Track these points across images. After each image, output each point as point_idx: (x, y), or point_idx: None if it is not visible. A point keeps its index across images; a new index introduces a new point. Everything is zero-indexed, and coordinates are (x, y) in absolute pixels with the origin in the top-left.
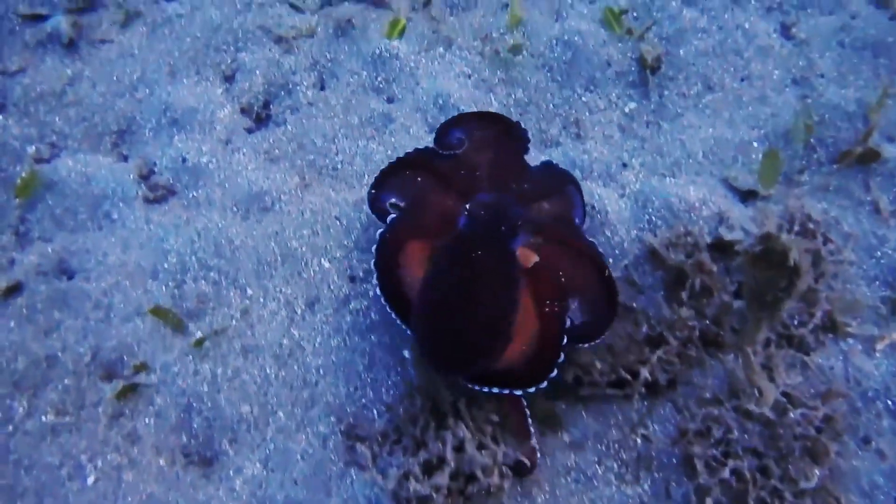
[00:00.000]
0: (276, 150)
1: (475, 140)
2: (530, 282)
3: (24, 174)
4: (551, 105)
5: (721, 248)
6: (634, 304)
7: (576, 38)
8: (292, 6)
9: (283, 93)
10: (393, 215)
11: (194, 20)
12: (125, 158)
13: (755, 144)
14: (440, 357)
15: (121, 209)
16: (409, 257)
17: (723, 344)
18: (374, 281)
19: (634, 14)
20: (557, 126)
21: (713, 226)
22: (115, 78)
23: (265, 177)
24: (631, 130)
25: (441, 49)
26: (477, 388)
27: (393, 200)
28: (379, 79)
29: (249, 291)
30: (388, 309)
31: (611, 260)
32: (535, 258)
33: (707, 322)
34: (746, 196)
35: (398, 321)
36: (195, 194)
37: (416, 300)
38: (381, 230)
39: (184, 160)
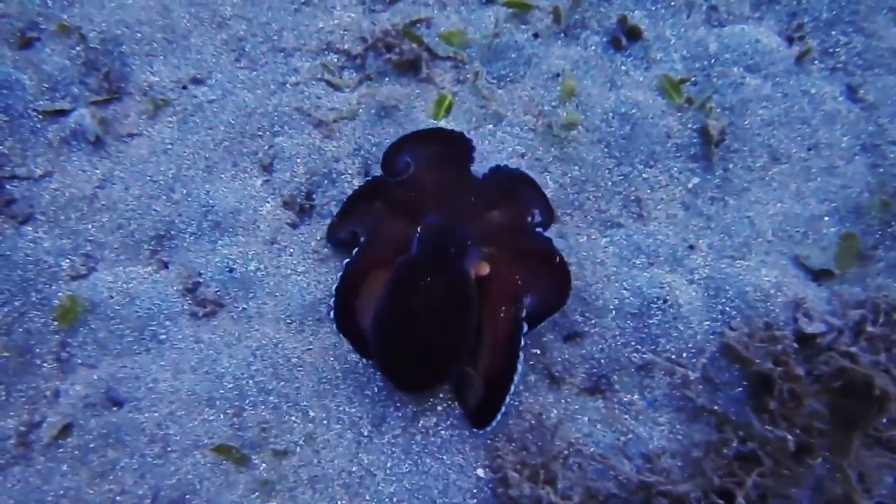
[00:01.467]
0: (325, 248)
1: (420, 161)
2: (484, 290)
3: (63, 301)
4: (610, 183)
5: (802, 340)
6: (716, 407)
7: (633, 111)
8: (329, 84)
9: (326, 182)
10: (355, 249)
11: (226, 105)
12: (165, 266)
13: (826, 219)
14: (398, 380)
15: (168, 328)
16: (369, 289)
17: (812, 450)
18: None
19: (693, 79)
20: (617, 205)
21: (789, 314)
22: (148, 178)
23: (316, 281)
24: (695, 208)
25: (491, 126)
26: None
27: (355, 231)
28: None
29: (312, 414)
30: (346, 343)
31: (685, 355)
32: (486, 269)
33: (798, 432)
34: (819, 275)
35: (355, 350)
36: (245, 307)
37: (372, 325)
38: (345, 262)
39: (230, 270)
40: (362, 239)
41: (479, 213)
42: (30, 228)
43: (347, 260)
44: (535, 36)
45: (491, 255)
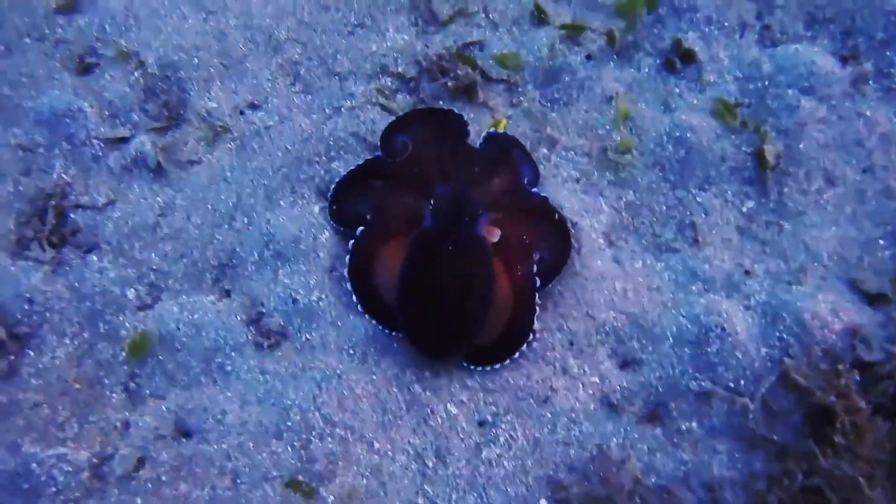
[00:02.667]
0: None
1: (418, 139)
2: (498, 252)
3: (133, 335)
4: (664, 207)
5: (860, 367)
6: (775, 437)
7: (688, 134)
8: (384, 108)
9: None
10: (361, 227)
11: (283, 131)
12: (227, 294)
13: (881, 242)
14: (430, 347)
15: (234, 359)
16: (383, 262)
17: (875, 481)
18: (349, 287)
19: (748, 101)
20: (672, 230)
21: (847, 342)
22: (209, 206)
23: None
24: (750, 232)
25: (545, 150)
26: (472, 366)
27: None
28: None
29: (377, 445)
30: (365, 315)
31: (742, 382)
32: (498, 233)
33: (861, 464)
34: (875, 300)
35: (376, 324)
36: (308, 337)
37: (397, 298)
38: (352, 241)
39: (294, 301)
40: (368, 217)
41: (482, 182)
42: (95, 258)
43: (353, 240)
44: (589, 58)
45: (498, 220)
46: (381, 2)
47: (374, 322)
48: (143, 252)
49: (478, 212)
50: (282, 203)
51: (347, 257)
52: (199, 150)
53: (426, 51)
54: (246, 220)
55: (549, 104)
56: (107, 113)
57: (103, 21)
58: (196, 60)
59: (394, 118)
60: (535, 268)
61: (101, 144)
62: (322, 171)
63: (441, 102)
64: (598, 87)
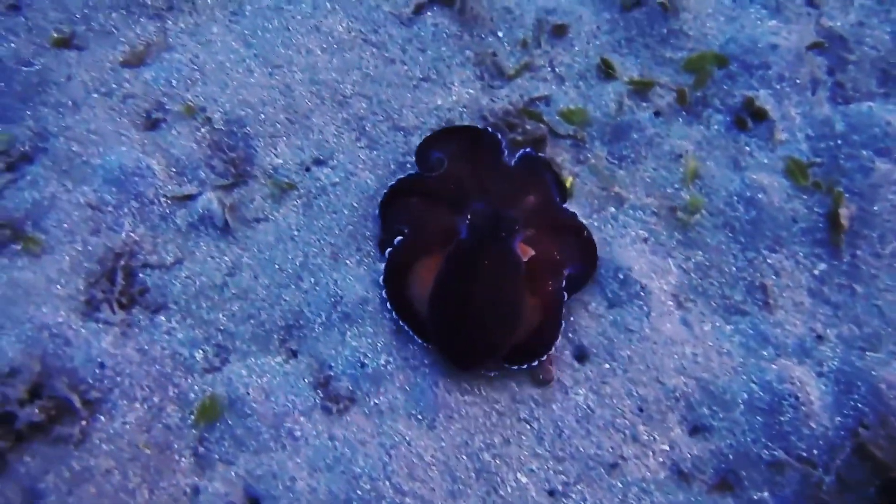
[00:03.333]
0: None
1: (453, 155)
2: (529, 269)
3: (203, 400)
4: (734, 268)
5: None
6: None
7: (759, 195)
8: None
9: None
10: (398, 238)
11: (349, 188)
12: (294, 355)
13: None
14: (460, 357)
15: (302, 425)
16: (419, 275)
17: None
18: (384, 296)
19: (820, 161)
20: (741, 292)
21: None
22: (276, 266)
23: (443, 374)
24: (822, 295)
25: (612, 209)
26: (513, 367)
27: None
28: None
29: None
30: (402, 324)
31: (815, 452)
32: (531, 252)
33: None
34: None
35: (412, 335)
36: (377, 402)
37: (430, 307)
38: (389, 251)
39: (362, 365)
40: (406, 230)
41: (516, 198)
42: (163, 318)
43: (390, 250)
44: (657, 114)
45: (531, 237)
46: (447, 55)
47: (406, 328)
48: (211, 312)
49: (514, 228)
50: (348, 262)
51: (384, 265)
52: (265, 207)
53: (492, 105)
54: (312, 279)
55: (616, 161)
56: (174, 170)
57: (170, 76)
58: (262, 116)
59: (428, 135)
60: (563, 282)
61: (169, 202)
62: None
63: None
64: (666, 144)
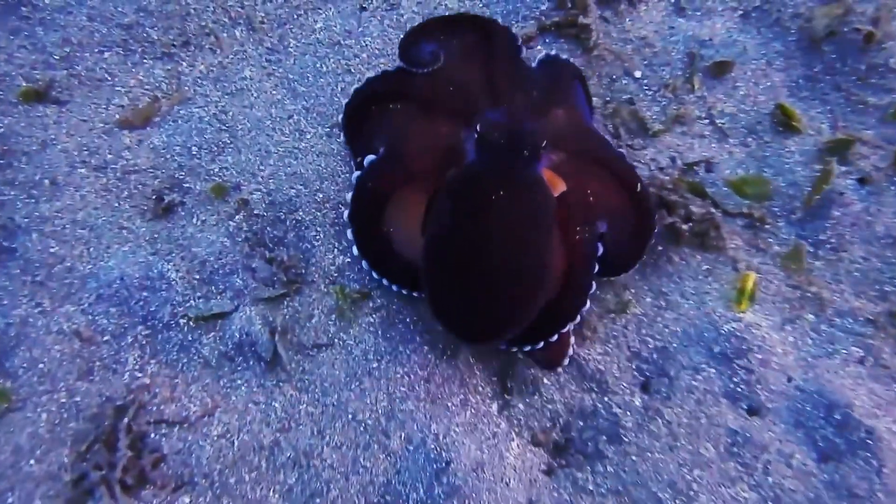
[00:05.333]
0: None
1: (454, 50)
2: (557, 208)
3: None
4: None
5: None
6: None
7: None
8: None
9: (583, 421)
10: (371, 157)
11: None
12: None
13: None
14: (467, 330)
15: None
16: (400, 210)
17: None
18: (351, 238)
19: None
20: None
21: None
22: (349, 415)
23: None
24: None
25: (811, 316)
26: (512, 349)
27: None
28: (734, 377)
29: None
30: (374, 275)
31: None
32: (562, 186)
33: None
34: None
35: (396, 288)
36: None
37: (424, 260)
38: (358, 175)
39: None
40: (382, 149)
41: (543, 111)
42: (188, 500)
43: (359, 173)
44: (862, 182)
45: (560, 164)
46: None
47: (385, 281)
48: (257, 488)
49: (540, 145)
50: (450, 404)
51: (350, 197)
52: (329, 327)
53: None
54: (403, 434)
55: (812, 249)
56: (198, 277)
57: (188, 140)
58: (320, 195)
59: (419, 23)
60: (598, 231)
61: (193, 325)
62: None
63: (659, 248)
64: (879, 223)
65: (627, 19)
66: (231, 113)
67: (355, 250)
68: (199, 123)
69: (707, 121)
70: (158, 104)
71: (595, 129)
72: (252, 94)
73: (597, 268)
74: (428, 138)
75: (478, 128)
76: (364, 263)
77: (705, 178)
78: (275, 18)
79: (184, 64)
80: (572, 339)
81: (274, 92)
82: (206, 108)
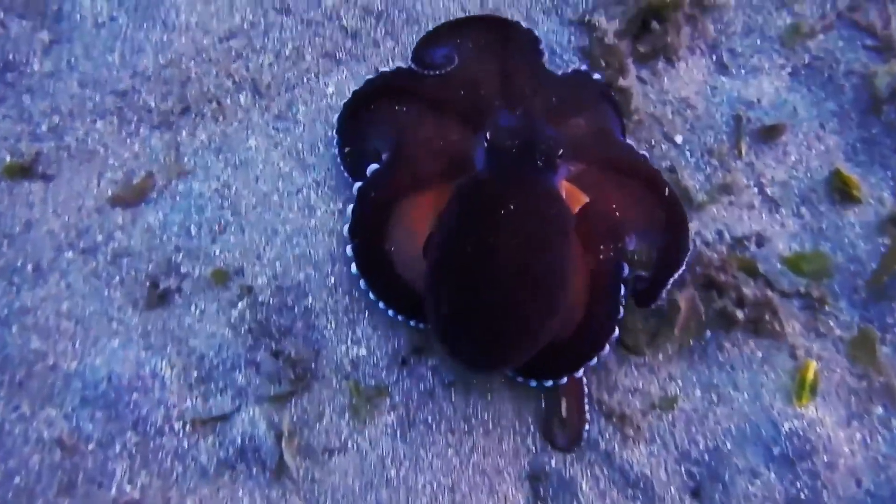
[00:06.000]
0: None
1: (468, 52)
2: (578, 225)
3: None
4: None
5: None
6: None
7: None
8: (626, 346)
9: None
10: (374, 166)
11: (472, 386)
12: None
13: None
14: (473, 355)
15: None
16: (404, 222)
17: None
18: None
19: None
20: None
21: None
22: None
23: None
24: None
25: (880, 410)
26: (524, 381)
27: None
28: (797, 482)
29: None
30: (377, 301)
31: None
32: (584, 199)
33: None
34: None
35: (391, 314)
36: None
37: (427, 278)
38: (359, 186)
39: None
40: (384, 155)
41: (562, 119)
42: None
43: (360, 184)
44: None
45: (580, 175)
46: None
47: (388, 310)
48: None
49: (556, 153)
50: None
51: (350, 210)
52: (341, 428)
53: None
54: None
55: (879, 333)
56: (195, 374)
57: (186, 219)
58: (332, 279)
59: (434, 28)
60: (624, 254)
61: (189, 429)
62: (531, 446)
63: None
64: None
65: (666, 79)
66: (234, 187)
67: (354, 268)
68: (199, 200)
69: (756, 190)
70: (154, 179)
71: (621, 139)
72: (257, 167)
73: (623, 290)
74: (436, 143)
75: (488, 133)
76: (362, 283)
77: (756, 254)
78: (283, 82)
79: (183, 133)
80: (587, 407)
81: (281, 164)
82: (206, 183)
